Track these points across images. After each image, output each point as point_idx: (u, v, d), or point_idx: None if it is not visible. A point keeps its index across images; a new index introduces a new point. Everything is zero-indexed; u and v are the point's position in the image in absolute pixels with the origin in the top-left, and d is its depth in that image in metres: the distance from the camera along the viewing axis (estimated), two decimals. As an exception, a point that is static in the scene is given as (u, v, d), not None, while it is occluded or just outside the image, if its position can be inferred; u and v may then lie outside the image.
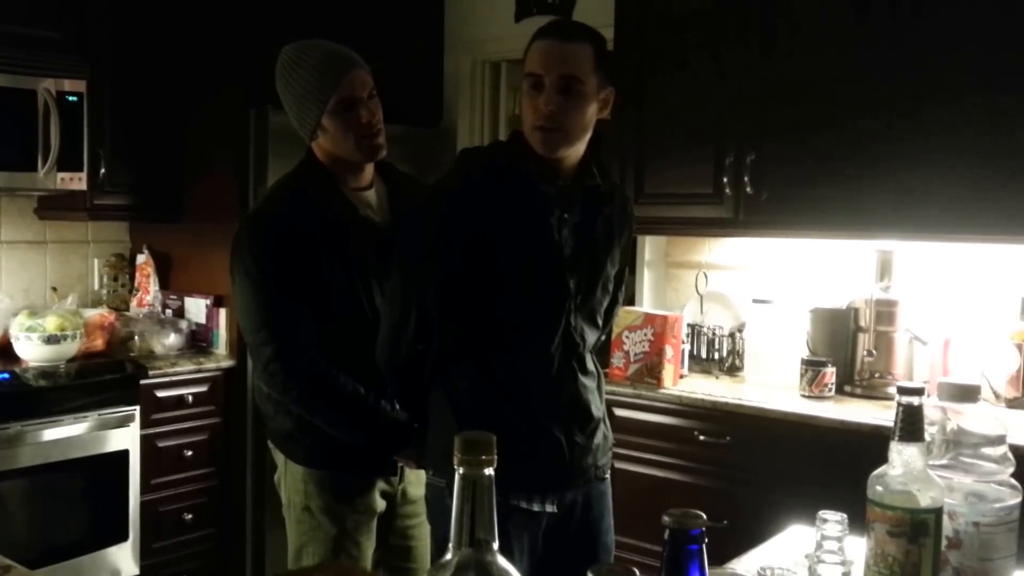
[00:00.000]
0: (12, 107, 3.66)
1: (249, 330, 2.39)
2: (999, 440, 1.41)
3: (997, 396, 3.20)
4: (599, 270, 2.20)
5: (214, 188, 4.24)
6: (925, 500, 1.28)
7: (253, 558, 4.13)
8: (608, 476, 2.31)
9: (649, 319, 3.66)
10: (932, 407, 1.42)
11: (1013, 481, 1.41)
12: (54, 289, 4.26)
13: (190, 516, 3.99)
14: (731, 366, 3.82)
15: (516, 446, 1.99)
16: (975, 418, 1.41)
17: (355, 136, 2.37)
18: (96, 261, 4.49)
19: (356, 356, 2.33)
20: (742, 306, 3.92)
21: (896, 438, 1.30)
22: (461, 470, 0.96)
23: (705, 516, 1.01)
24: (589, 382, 2.21)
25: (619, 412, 3.65)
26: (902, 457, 1.29)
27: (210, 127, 4.24)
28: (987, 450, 1.40)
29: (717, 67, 3.62)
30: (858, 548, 1.41)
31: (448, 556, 0.97)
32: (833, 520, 1.26)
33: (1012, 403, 3.18)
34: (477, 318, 2.14)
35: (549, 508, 2.15)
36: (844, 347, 3.48)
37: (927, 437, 1.39)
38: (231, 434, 4.13)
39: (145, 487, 3.81)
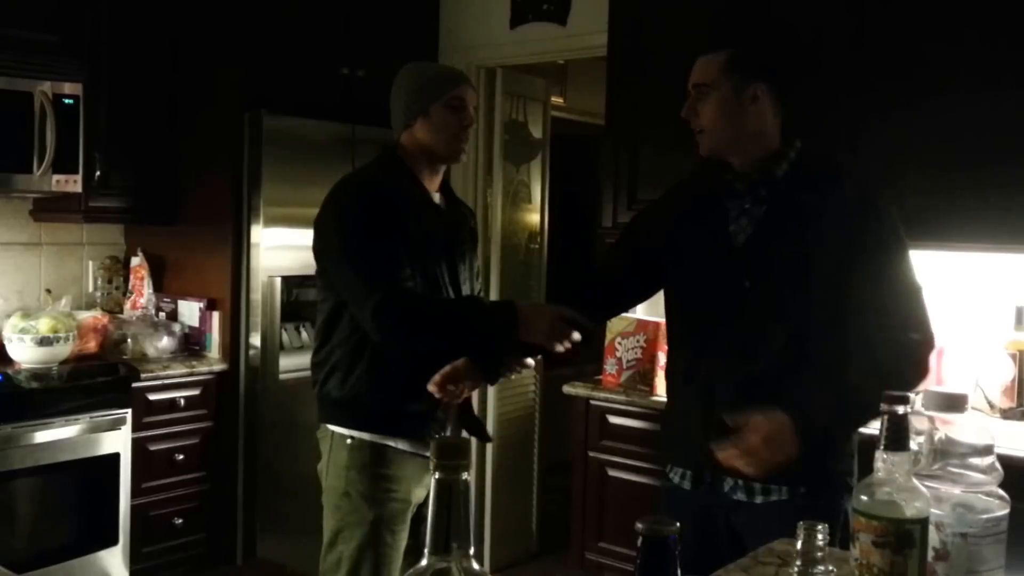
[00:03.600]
0: (8, 109, 3.67)
1: (348, 282, 2.49)
2: (987, 450, 1.39)
3: (991, 406, 3.19)
4: (783, 260, 2.14)
5: (209, 191, 4.24)
6: (910, 510, 1.27)
7: (243, 563, 4.12)
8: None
9: (642, 325, 3.66)
10: (920, 417, 1.41)
11: (1001, 492, 1.40)
12: (48, 291, 4.25)
13: (180, 520, 3.98)
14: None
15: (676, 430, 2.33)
16: (963, 428, 1.40)
17: (449, 133, 2.59)
18: (91, 263, 4.48)
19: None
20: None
21: (882, 447, 1.29)
22: (437, 475, 0.95)
23: (679, 523, 1.00)
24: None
25: (612, 419, 3.66)
26: (887, 467, 1.28)
27: (205, 130, 4.25)
28: (975, 460, 1.39)
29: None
30: (843, 559, 1.40)
31: (424, 562, 0.96)
32: (815, 530, 1.25)
33: (1006, 413, 3.17)
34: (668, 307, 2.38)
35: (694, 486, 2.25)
36: (838, 356, 3.45)
37: (914, 447, 1.38)
38: (222, 438, 4.13)
39: (136, 491, 3.80)
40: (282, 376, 4.14)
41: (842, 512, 2.01)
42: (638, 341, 3.63)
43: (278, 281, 4.10)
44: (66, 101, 3.80)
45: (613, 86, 3.93)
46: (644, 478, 3.53)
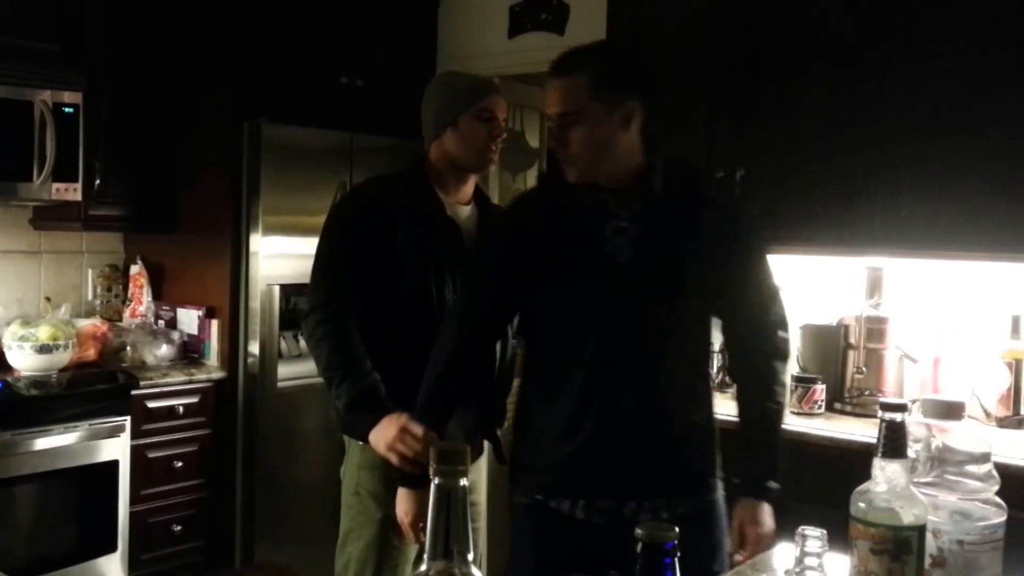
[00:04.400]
0: (8, 118, 3.67)
1: (311, 282, 2.64)
2: (984, 458, 1.40)
3: (988, 415, 3.20)
4: (664, 273, 2.16)
5: (208, 200, 4.25)
6: (908, 517, 1.27)
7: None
8: (709, 501, 2.26)
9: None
10: (917, 424, 1.42)
11: (998, 499, 1.40)
12: (48, 299, 4.26)
13: (179, 527, 3.98)
14: (721, 382, 3.81)
15: (556, 452, 2.18)
16: (960, 435, 1.40)
17: (479, 144, 2.60)
18: (90, 271, 4.49)
19: (411, 343, 2.46)
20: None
21: (879, 454, 1.30)
22: (436, 480, 0.95)
23: (678, 529, 1.00)
24: (664, 395, 2.21)
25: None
26: (885, 474, 1.29)
27: (204, 139, 4.26)
28: (972, 468, 1.40)
29: (707, 87, 3.64)
30: (841, 565, 1.40)
31: (423, 567, 0.97)
32: (813, 536, 1.25)
33: (1002, 422, 3.17)
34: (537, 330, 2.27)
35: (596, 519, 2.18)
36: (834, 364, 3.48)
37: (912, 454, 1.39)
38: (221, 446, 4.12)
39: (134, 498, 3.80)
40: (280, 384, 4.14)
41: (716, 508, 2.23)
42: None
43: (277, 289, 4.10)
44: (66, 110, 3.81)
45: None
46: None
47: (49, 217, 4.17)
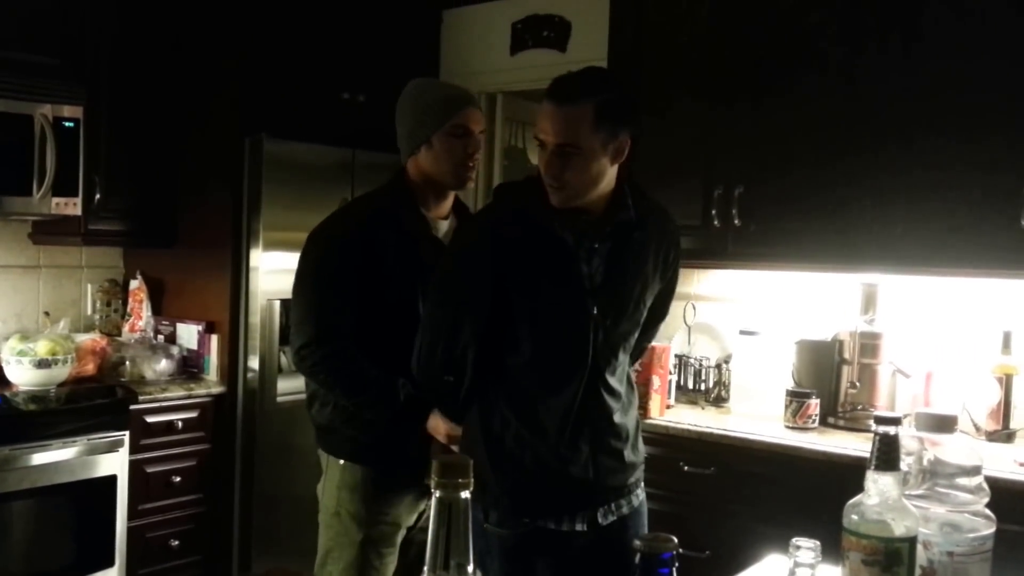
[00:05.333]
0: (8, 132, 3.69)
1: (295, 317, 2.61)
2: (975, 471, 1.42)
3: (978, 429, 3.23)
4: (628, 294, 2.28)
5: (208, 215, 4.27)
6: (899, 529, 1.30)
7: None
8: (643, 496, 2.40)
9: (637, 352, 3.68)
10: (910, 437, 1.44)
11: (987, 512, 1.43)
12: (47, 313, 4.27)
13: (176, 542, 3.99)
14: (717, 397, 3.84)
15: (544, 469, 2.18)
16: (951, 449, 1.43)
17: (454, 162, 2.55)
18: (89, 286, 4.50)
19: (394, 354, 2.45)
20: (729, 337, 3.95)
21: (872, 467, 1.32)
22: (438, 493, 0.97)
23: (676, 540, 1.03)
24: (614, 403, 2.29)
25: (607, 441, 3.66)
26: (877, 486, 1.31)
27: (205, 154, 4.29)
28: (963, 480, 1.42)
29: (706, 106, 3.69)
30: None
31: (425, 578, 0.99)
32: (806, 547, 1.28)
33: (992, 436, 3.22)
34: (508, 348, 2.26)
35: (579, 527, 2.24)
36: (828, 379, 3.50)
37: (904, 467, 1.41)
38: (219, 460, 4.14)
39: (132, 513, 3.81)
40: (280, 399, 4.15)
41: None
42: (633, 365, 3.65)
43: (277, 304, 4.11)
44: (66, 124, 3.83)
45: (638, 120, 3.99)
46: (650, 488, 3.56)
47: (48, 232, 4.19)
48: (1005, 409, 3.22)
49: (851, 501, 1.34)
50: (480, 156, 2.64)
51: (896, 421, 1.33)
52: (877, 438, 1.32)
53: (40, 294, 4.33)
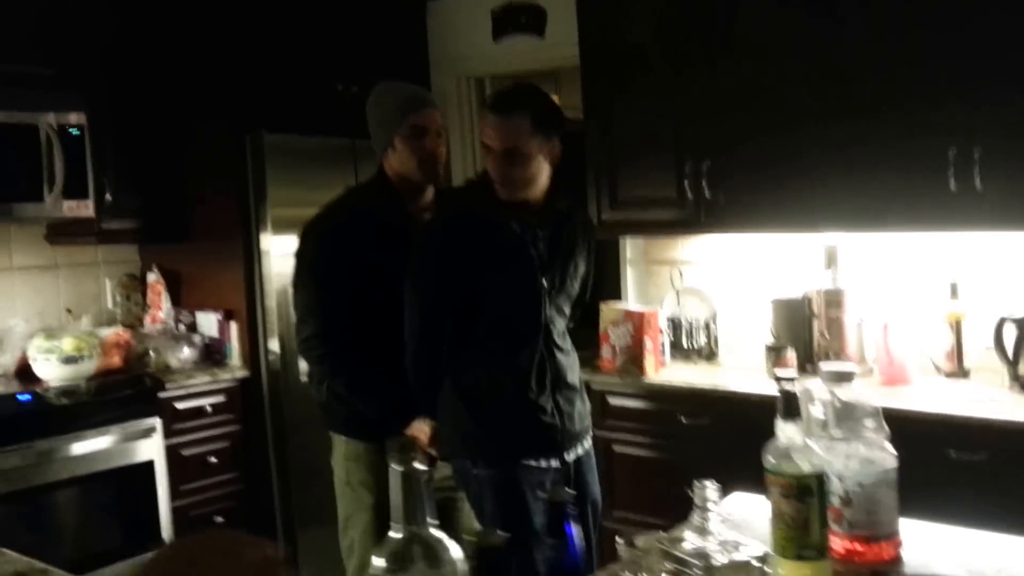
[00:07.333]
0: (15, 142, 3.78)
1: (299, 310, 2.89)
2: (876, 412, 1.66)
3: (938, 369, 3.49)
4: (566, 270, 2.72)
5: (216, 208, 4.39)
6: (806, 467, 1.52)
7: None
8: (591, 441, 2.83)
9: (628, 315, 3.91)
10: (821, 388, 1.68)
11: (889, 447, 1.66)
12: (69, 311, 4.37)
13: (221, 518, 4.16)
14: (708, 353, 4.10)
15: (518, 415, 2.60)
16: (854, 396, 1.66)
17: (418, 159, 2.78)
18: (108, 281, 4.61)
19: (384, 341, 2.70)
20: (715, 298, 4.20)
21: (779, 417, 1.55)
22: (400, 468, 1.21)
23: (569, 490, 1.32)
24: (564, 359, 2.71)
25: (611, 400, 3.90)
26: (785, 433, 1.54)
27: (208, 151, 4.41)
28: (867, 421, 1.65)
29: (673, 84, 3.90)
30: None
31: (392, 532, 1.24)
32: (710, 487, 1.57)
33: (950, 375, 3.46)
34: (474, 320, 2.63)
35: (554, 463, 2.64)
36: (802, 332, 3.74)
37: (820, 415, 1.66)
38: (252, 439, 4.29)
39: (175, 493, 3.98)
40: (303, 377, 4.22)
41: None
42: (627, 329, 3.88)
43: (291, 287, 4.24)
44: (71, 131, 3.93)
45: (588, 94, 4.20)
46: (642, 451, 3.80)
47: (63, 233, 4.30)
48: (958, 351, 3.46)
49: (766, 445, 1.57)
50: (444, 150, 2.86)
51: (793, 378, 1.56)
52: (781, 393, 1.54)
53: (60, 292, 4.43)
